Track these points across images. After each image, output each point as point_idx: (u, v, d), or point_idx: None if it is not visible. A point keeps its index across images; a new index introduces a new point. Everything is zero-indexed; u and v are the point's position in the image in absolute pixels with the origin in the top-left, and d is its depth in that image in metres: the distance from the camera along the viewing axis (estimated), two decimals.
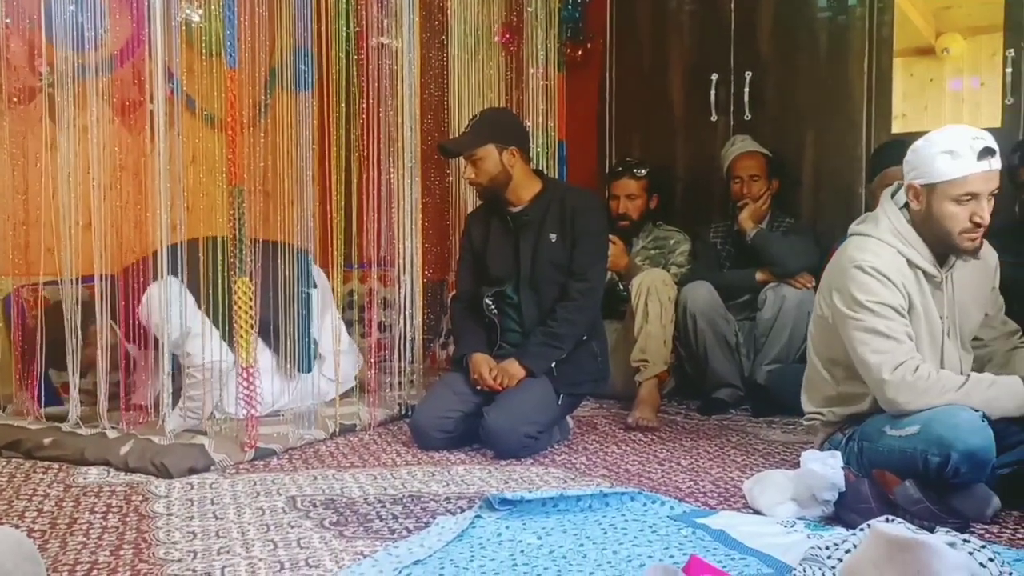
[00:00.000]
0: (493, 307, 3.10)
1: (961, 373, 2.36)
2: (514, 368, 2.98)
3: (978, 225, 2.28)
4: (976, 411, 2.18)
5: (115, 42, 2.93)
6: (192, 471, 2.66)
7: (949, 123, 3.67)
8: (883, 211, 2.43)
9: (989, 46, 3.69)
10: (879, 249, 2.36)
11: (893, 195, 2.46)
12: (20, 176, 3.25)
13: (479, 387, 3.00)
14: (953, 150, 2.24)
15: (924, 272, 2.37)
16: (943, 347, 2.40)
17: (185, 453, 2.71)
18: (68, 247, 2.85)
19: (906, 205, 2.39)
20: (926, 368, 2.26)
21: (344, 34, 3.22)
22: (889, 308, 2.31)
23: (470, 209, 3.61)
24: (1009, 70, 3.59)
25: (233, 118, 2.85)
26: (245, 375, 2.85)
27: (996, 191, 2.30)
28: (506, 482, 2.62)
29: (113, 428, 2.93)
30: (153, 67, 2.79)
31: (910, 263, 2.36)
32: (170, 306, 2.81)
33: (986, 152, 2.24)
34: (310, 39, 3.16)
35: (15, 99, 3.28)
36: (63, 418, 3.01)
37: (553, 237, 3.05)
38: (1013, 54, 3.57)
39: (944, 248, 2.36)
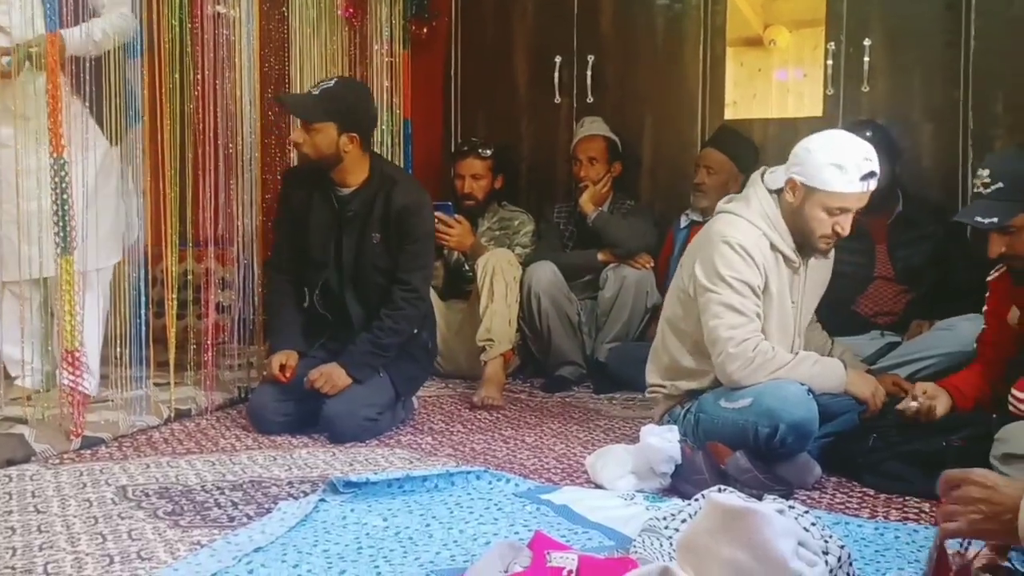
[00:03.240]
0: (320, 304, 3.03)
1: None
2: (340, 378, 2.88)
3: (838, 235, 2.42)
4: (802, 385, 2.32)
5: None
6: (10, 463, 2.48)
7: (776, 111, 3.95)
8: (754, 193, 2.52)
9: (812, 39, 3.90)
10: (746, 228, 2.46)
11: (763, 178, 2.55)
12: None
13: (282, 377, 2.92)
14: (843, 165, 2.33)
15: (784, 257, 2.49)
16: (790, 328, 2.54)
17: (2, 443, 2.54)
18: None
19: (778, 191, 2.48)
20: (767, 345, 2.40)
21: (177, 0, 3.06)
22: (746, 286, 2.41)
23: None
24: (830, 62, 3.79)
25: (55, 84, 2.66)
26: (70, 360, 2.69)
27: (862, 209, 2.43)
28: (350, 464, 2.59)
29: None
30: None
31: (773, 246, 2.47)
32: None
33: (869, 175, 2.34)
34: (139, 3, 2.99)
35: None
36: None
37: (376, 237, 2.96)
38: (833, 47, 3.78)
39: (802, 242, 2.48)
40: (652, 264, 3.77)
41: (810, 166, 2.38)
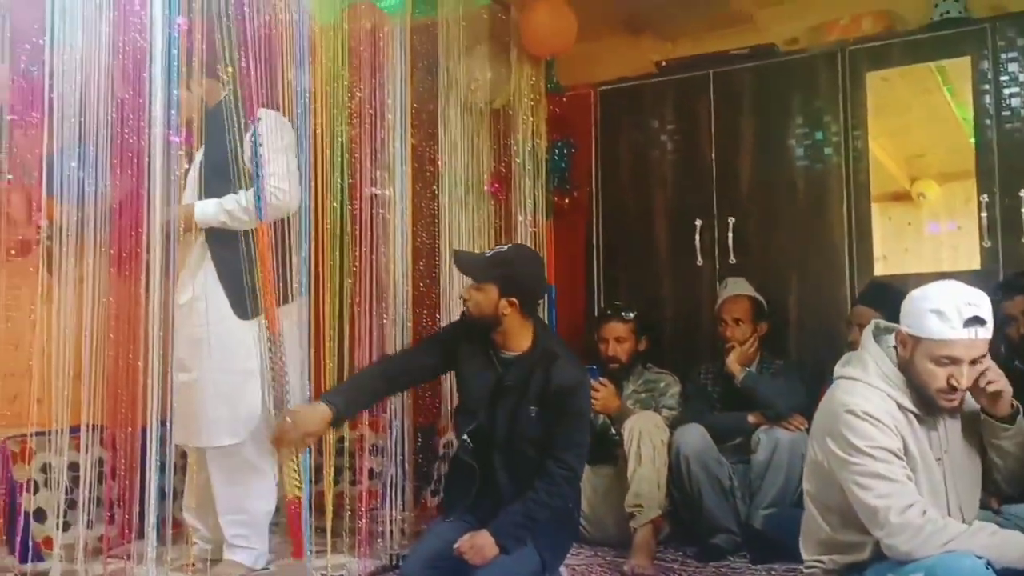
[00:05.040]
0: (467, 451, 3.00)
1: (961, 515, 2.34)
2: (488, 549, 2.80)
3: (954, 388, 2.30)
4: (980, 558, 2.15)
5: (115, 196, 3.00)
6: None
7: (930, 265, 3.83)
8: (869, 354, 2.44)
9: (963, 191, 3.82)
10: (868, 393, 2.36)
11: (875, 335, 2.47)
12: (13, 328, 3.25)
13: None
14: (942, 311, 2.26)
15: (915, 415, 2.37)
16: (940, 489, 2.38)
17: None
18: (60, 397, 2.83)
19: (896, 347, 2.42)
20: (936, 513, 2.23)
21: (339, 185, 3.30)
22: (887, 452, 2.29)
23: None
24: (984, 214, 3.70)
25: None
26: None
27: (981, 358, 2.31)
28: None
29: None
30: (151, 221, 2.85)
31: (900, 406, 2.35)
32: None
33: (973, 321, 2.25)
34: (306, 187, 3.23)
35: (12, 251, 3.33)
36: None
37: (533, 412, 2.92)
38: (987, 199, 3.69)
39: (924, 398, 2.37)
40: (806, 425, 3.64)
41: (913, 315, 2.32)
